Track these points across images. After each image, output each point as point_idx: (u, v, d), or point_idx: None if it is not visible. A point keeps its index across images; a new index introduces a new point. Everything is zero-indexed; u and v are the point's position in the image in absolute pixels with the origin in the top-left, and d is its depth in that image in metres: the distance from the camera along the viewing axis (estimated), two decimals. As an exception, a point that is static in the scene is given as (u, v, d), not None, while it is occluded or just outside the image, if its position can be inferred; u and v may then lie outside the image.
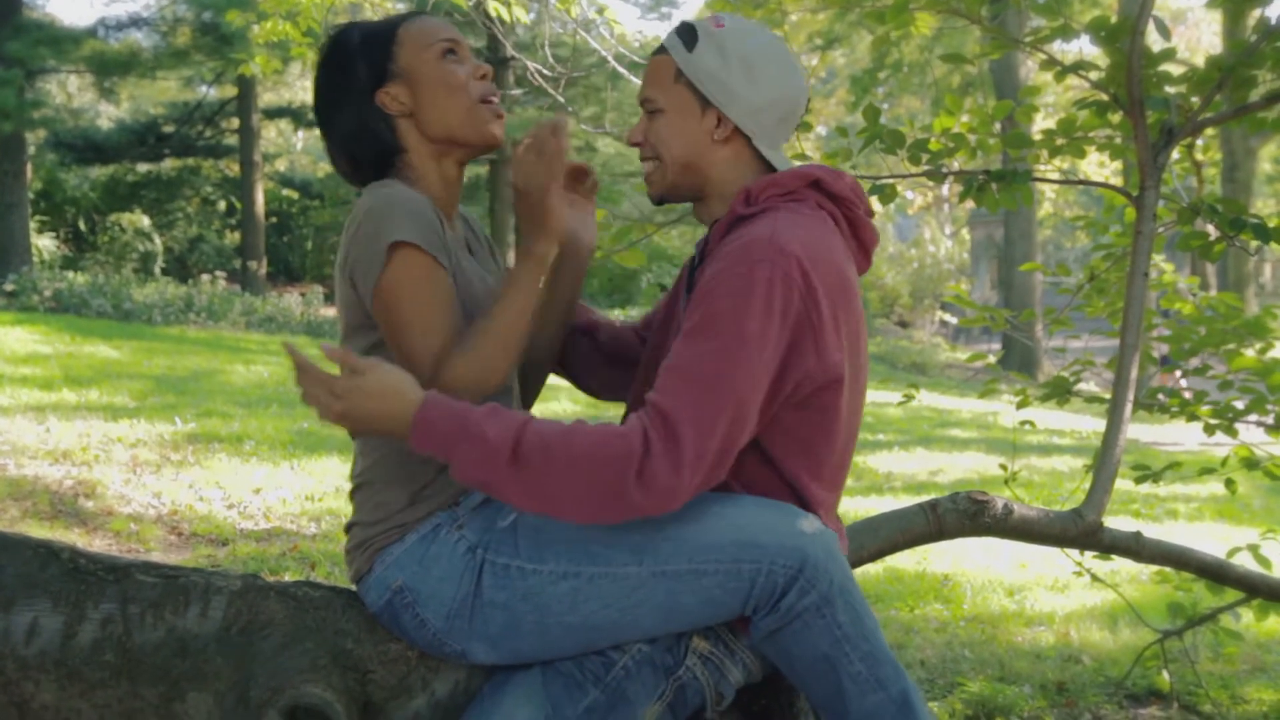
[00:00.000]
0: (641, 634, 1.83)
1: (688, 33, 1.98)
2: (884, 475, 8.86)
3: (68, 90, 28.47)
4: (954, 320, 26.53)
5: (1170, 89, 3.05)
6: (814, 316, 1.81)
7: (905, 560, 5.83)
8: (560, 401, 11.28)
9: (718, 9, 4.61)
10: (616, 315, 13.27)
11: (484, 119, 2.00)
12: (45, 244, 20.18)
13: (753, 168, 2.01)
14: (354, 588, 1.99)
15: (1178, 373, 4.14)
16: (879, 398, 14.09)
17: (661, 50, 2.00)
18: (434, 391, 1.76)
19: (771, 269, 1.77)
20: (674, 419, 1.70)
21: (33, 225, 18.97)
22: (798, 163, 2.07)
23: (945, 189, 30.33)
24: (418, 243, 1.85)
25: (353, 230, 1.89)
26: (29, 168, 18.52)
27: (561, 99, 4.89)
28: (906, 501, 3.17)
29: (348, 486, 2.04)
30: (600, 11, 5.51)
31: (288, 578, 4.97)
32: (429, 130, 2.00)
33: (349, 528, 1.98)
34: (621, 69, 4.91)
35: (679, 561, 1.77)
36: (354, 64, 1.99)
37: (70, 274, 17.65)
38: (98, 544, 5.28)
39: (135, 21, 21.00)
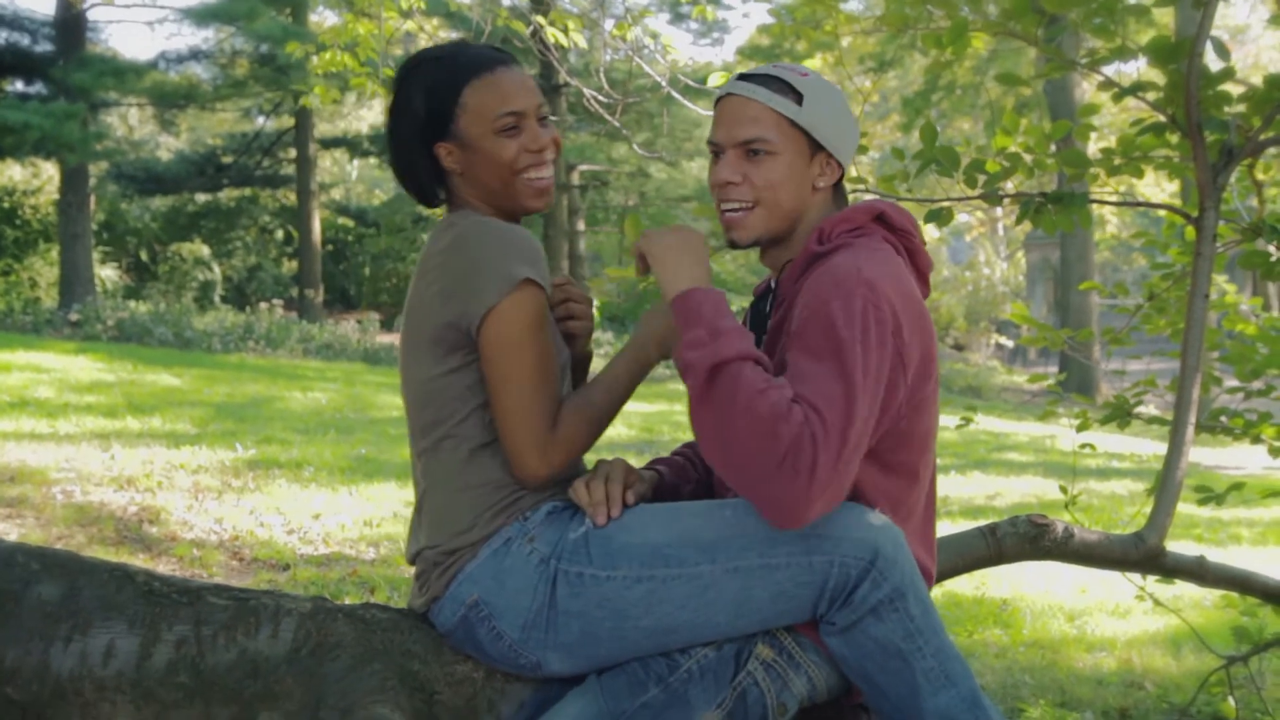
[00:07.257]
0: (717, 632, 1.85)
1: (785, 85, 2.00)
2: (940, 499, 8.79)
3: (128, 123, 28.99)
4: (1010, 343, 26.30)
5: (1230, 109, 3.03)
6: (903, 354, 1.86)
7: (963, 585, 5.78)
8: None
9: (773, 34, 4.62)
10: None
11: (522, 194, 2.02)
12: (108, 274, 20.59)
13: (828, 210, 2.07)
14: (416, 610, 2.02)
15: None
16: (934, 421, 13.97)
17: (747, 95, 2.00)
18: (707, 285, 1.87)
19: (865, 303, 1.82)
20: (824, 416, 1.72)
21: (96, 256, 19.34)
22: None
23: (999, 210, 30.09)
24: (541, 284, 1.90)
25: (452, 251, 1.92)
26: (92, 199, 18.87)
27: (616, 123, 4.93)
28: (964, 526, 3.16)
29: (406, 512, 2.07)
30: (654, 37, 5.55)
31: (347, 602, 5.02)
32: (473, 193, 2.04)
33: (417, 553, 2.00)
34: (676, 94, 4.94)
35: (750, 557, 1.81)
36: (418, 112, 2.02)
37: (132, 303, 17.99)
38: (161, 569, 5.36)
39: (194, 54, 21.38)
